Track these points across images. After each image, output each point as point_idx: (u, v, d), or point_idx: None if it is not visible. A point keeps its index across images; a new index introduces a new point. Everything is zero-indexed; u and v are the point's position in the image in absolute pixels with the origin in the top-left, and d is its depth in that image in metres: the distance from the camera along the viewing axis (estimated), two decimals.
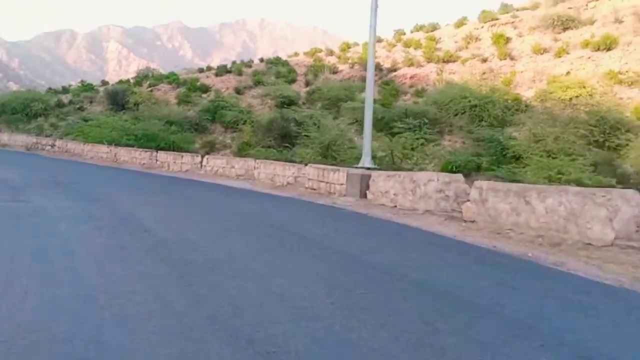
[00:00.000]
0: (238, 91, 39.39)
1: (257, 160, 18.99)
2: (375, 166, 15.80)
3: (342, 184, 14.54)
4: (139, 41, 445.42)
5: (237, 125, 32.48)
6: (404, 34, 45.69)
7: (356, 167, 15.41)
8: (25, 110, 36.97)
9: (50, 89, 44.67)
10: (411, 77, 36.07)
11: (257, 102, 37.49)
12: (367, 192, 13.86)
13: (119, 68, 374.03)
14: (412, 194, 12.03)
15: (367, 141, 15.72)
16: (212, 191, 15.66)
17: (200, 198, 14.02)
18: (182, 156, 22.45)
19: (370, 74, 16.40)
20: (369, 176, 14.12)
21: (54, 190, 12.44)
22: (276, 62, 46.60)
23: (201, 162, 21.72)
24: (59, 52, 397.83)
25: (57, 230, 7.77)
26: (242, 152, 28.79)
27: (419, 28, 45.02)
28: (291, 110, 30.86)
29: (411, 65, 37.00)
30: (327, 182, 15.16)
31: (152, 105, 35.72)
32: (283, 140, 27.02)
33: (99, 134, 26.99)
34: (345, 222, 10.71)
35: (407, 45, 41.54)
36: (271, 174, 17.74)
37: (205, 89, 40.02)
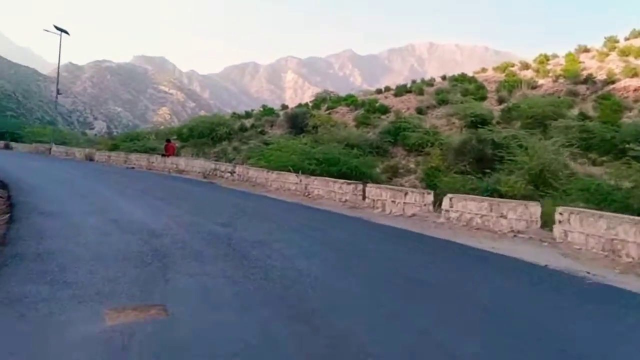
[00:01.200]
0: (420, 111, 36.19)
1: (562, 209, 9.40)
2: None
3: None
4: (313, 70, 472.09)
5: (422, 148, 29.26)
6: (617, 41, 38.54)
7: None
8: (211, 134, 38.04)
9: (234, 113, 46.20)
10: (635, 90, 29.46)
11: (442, 122, 33.91)
12: None
13: (295, 96, 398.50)
14: None
15: None
16: (508, 279, 6.94)
17: (514, 317, 5.07)
18: (406, 193, 13.75)
19: None
20: None
21: (220, 266, 6.32)
22: (461, 79, 42.54)
23: (437, 203, 13.15)
24: (243, 83, 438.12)
25: None
26: (430, 178, 25.40)
27: (637, 34, 37.56)
28: (486, 131, 26.63)
29: (634, 76, 30.33)
30: None
31: (330, 128, 34.32)
32: (478, 165, 23.08)
33: (279, 157, 25.33)
34: None
35: (624, 53, 34.65)
36: (601, 236, 8.34)
37: (384, 110, 37.54)
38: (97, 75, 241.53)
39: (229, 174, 22.04)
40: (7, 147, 45.66)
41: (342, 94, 58.43)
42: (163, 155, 28.34)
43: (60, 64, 35.84)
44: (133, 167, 28.71)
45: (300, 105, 44.84)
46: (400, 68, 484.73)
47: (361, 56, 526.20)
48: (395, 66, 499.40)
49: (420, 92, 40.51)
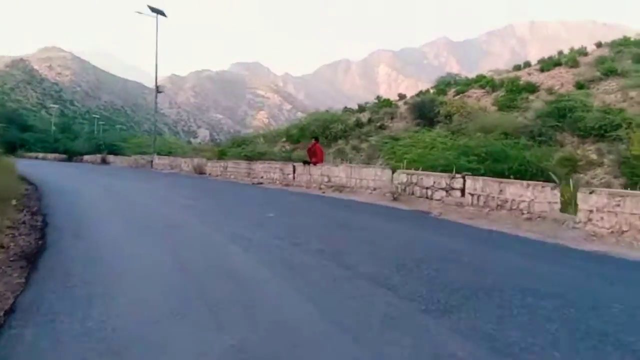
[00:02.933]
0: (580, 86, 28.89)
1: None
2: None
3: None
4: (407, 62, 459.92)
5: (605, 132, 22.41)
6: None
7: None
8: (324, 133, 33.22)
9: (346, 108, 41.17)
10: None
11: (616, 98, 26.56)
12: None
13: (390, 90, 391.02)
14: None
15: None
16: None
17: None
18: None
19: None
20: None
21: None
22: (625, 42, 34.29)
23: None
24: (336, 81, 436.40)
25: None
26: (634, 171, 18.66)
27: None
28: None
29: None
30: None
31: (466, 115, 28.36)
32: None
33: (422, 156, 19.47)
34: None
35: None
36: None
37: (532, 89, 30.60)
38: (198, 85, 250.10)
39: (444, 193, 11.27)
40: (103, 161, 39.69)
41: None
42: (305, 162, 18.13)
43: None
44: (260, 183, 19.19)
45: (421, 93, 38.79)
46: (499, 51, 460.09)
47: (457, 42, 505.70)
48: (495, 49, 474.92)
49: (574, 64, 32.94)
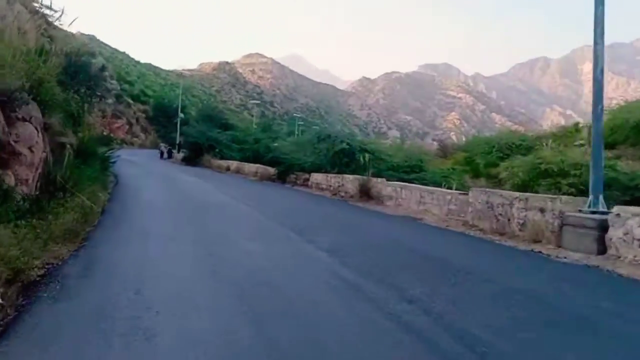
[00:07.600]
0: None
1: None
2: None
3: None
4: (616, 58, 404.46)
5: None
6: None
7: None
8: None
9: None
10: None
11: None
12: None
13: None
14: None
15: None
16: None
17: None
18: None
19: None
20: None
21: None
22: None
23: None
24: (533, 80, 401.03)
25: None
26: None
27: None
28: None
29: None
30: None
31: None
32: None
33: None
34: None
35: None
36: None
37: None
38: (387, 87, 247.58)
39: None
40: (366, 194, 15.96)
41: None
42: None
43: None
44: None
45: None
46: None
47: None
48: None
49: None
